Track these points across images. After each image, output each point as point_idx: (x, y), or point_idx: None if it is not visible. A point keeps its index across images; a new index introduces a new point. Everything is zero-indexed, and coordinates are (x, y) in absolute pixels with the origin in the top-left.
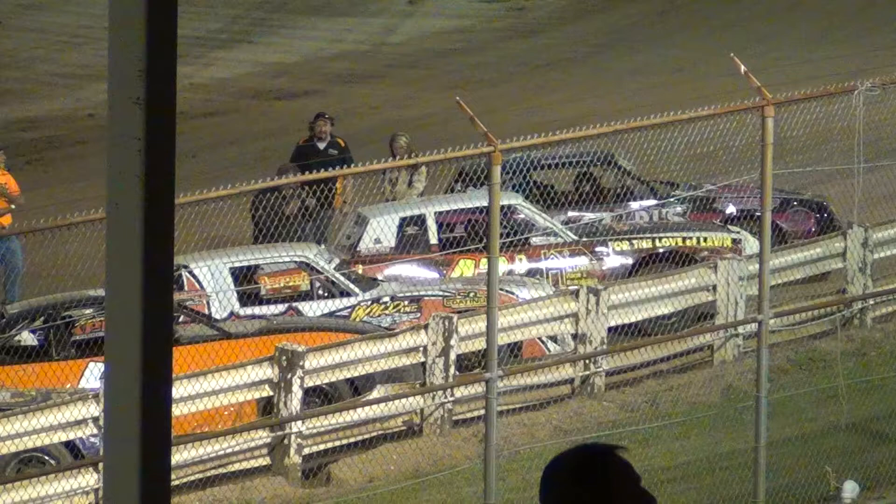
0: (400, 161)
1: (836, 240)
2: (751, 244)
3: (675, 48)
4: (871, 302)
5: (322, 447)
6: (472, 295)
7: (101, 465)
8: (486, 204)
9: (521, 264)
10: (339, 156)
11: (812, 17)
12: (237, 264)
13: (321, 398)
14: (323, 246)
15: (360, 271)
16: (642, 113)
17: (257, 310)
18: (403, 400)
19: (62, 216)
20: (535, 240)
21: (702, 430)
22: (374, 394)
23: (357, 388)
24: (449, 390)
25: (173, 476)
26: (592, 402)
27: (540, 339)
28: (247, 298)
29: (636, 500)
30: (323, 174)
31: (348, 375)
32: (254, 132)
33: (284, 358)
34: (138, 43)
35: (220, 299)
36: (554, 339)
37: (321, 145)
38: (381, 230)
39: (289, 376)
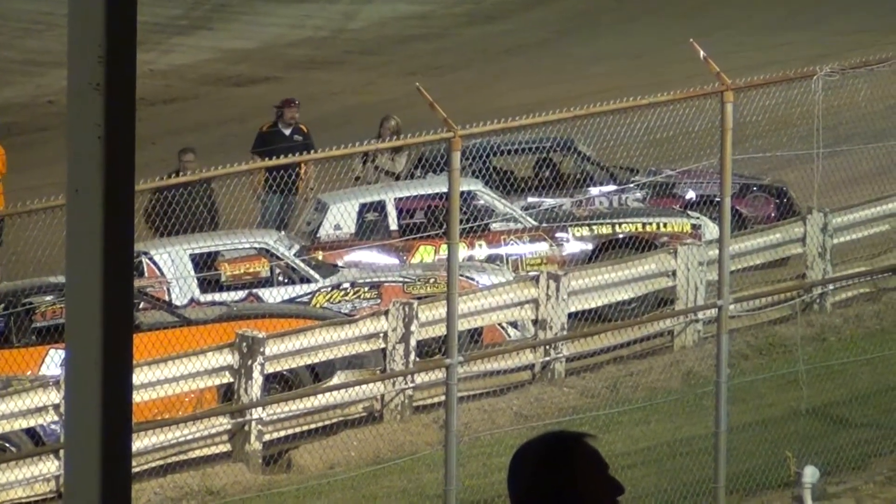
0: (367, 146)
1: (796, 225)
2: (710, 229)
3: (636, 34)
4: (831, 287)
5: (283, 434)
6: (432, 281)
7: (61, 452)
8: (445, 190)
9: (481, 250)
10: (303, 142)
11: (772, 4)
12: (197, 251)
13: (281, 385)
14: (283, 232)
15: (320, 258)
16: (602, 98)
17: (217, 296)
18: (364, 386)
19: (22, 203)
20: (495, 226)
21: (662, 416)
22: (335, 380)
23: (317, 374)
24: (409, 376)
25: (134, 463)
26: (553, 388)
27: (500, 325)
28: (207, 285)
29: (604, 487)
30: (292, 159)
31: (309, 362)
32: (214, 119)
33: (245, 344)
34: (98, 29)
35: (181, 286)
36: (514, 325)
37: (286, 131)
38: (341, 216)
39: (249, 363)
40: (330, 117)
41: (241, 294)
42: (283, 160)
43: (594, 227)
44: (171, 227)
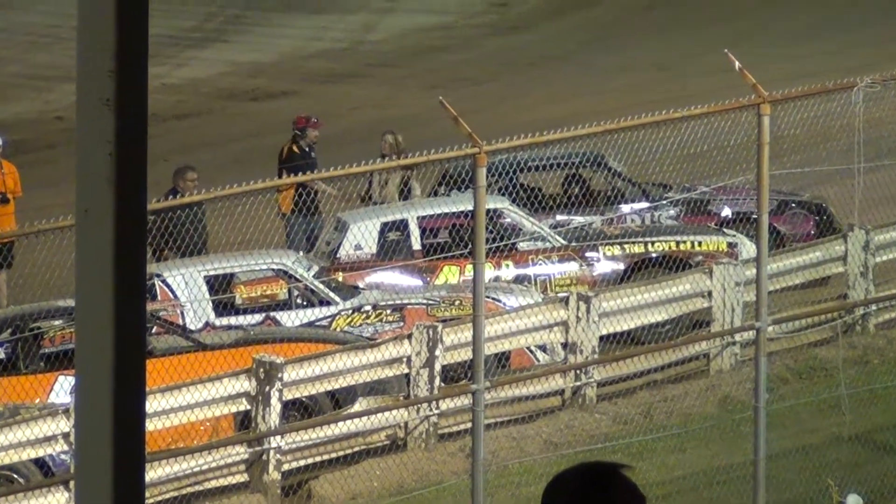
0: (385, 163)
1: (837, 243)
2: (747, 248)
3: (663, 44)
4: (874, 307)
5: (302, 463)
6: (457, 303)
7: (72, 484)
8: (471, 208)
9: (508, 271)
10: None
11: (803, 10)
12: (212, 272)
13: (301, 412)
14: (301, 253)
15: (340, 279)
16: (632, 112)
17: (233, 320)
18: (387, 413)
19: (30, 223)
20: (523, 245)
21: (698, 443)
22: (356, 407)
23: (338, 401)
24: (434, 403)
25: (147, 494)
26: (584, 415)
27: (528, 348)
28: (222, 308)
29: None
30: (310, 176)
31: (329, 388)
32: (229, 134)
33: (262, 370)
34: (108, 42)
35: (195, 309)
36: (543, 348)
37: (308, 150)
38: (362, 236)
39: (267, 389)
40: (349, 133)
41: (258, 317)
42: (301, 177)
43: (626, 246)
44: (178, 249)
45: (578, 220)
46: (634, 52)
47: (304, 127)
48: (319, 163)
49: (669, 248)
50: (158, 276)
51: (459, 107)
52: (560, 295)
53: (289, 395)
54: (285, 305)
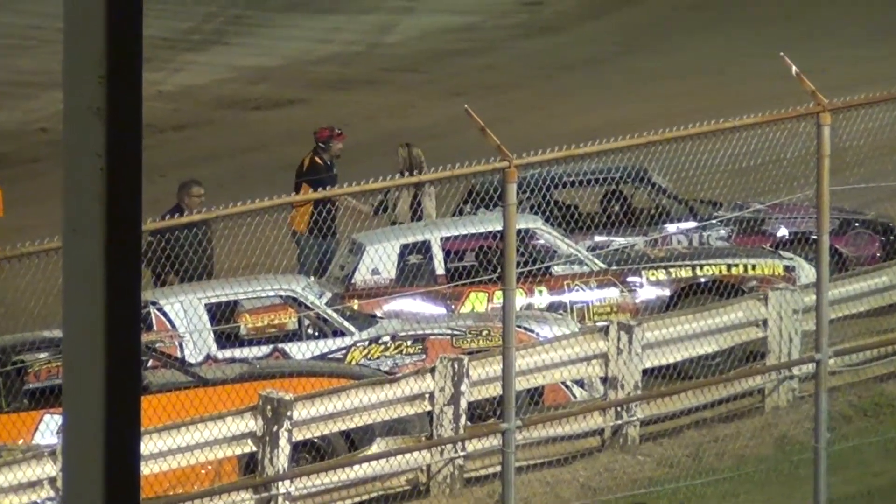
0: (405, 179)
1: None
2: (806, 272)
3: (711, 47)
4: None
5: None
6: (484, 333)
7: None
8: (500, 228)
9: (542, 297)
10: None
11: (867, 10)
12: (214, 300)
13: (312, 454)
14: (312, 278)
15: (355, 307)
16: (678, 121)
17: (237, 352)
18: (407, 455)
19: (11, 245)
20: (558, 269)
21: (753, 487)
22: (374, 448)
23: (353, 441)
24: (459, 444)
25: None
26: (625, 457)
27: (564, 383)
28: (225, 339)
29: None
30: (326, 192)
31: (343, 427)
32: (230, 147)
33: (269, 407)
34: (98, 45)
35: (195, 340)
36: (580, 383)
37: (330, 164)
38: (380, 259)
39: (275, 429)
40: (363, 146)
41: (264, 349)
42: (331, 192)
43: (672, 270)
44: (180, 274)
45: (619, 241)
46: (680, 55)
47: (329, 139)
48: (339, 179)
49: (720, 272)
50: (154, 303)
51: (486, 116)
52: (599, 324)
53: (299, 436)
54: (295, 336)
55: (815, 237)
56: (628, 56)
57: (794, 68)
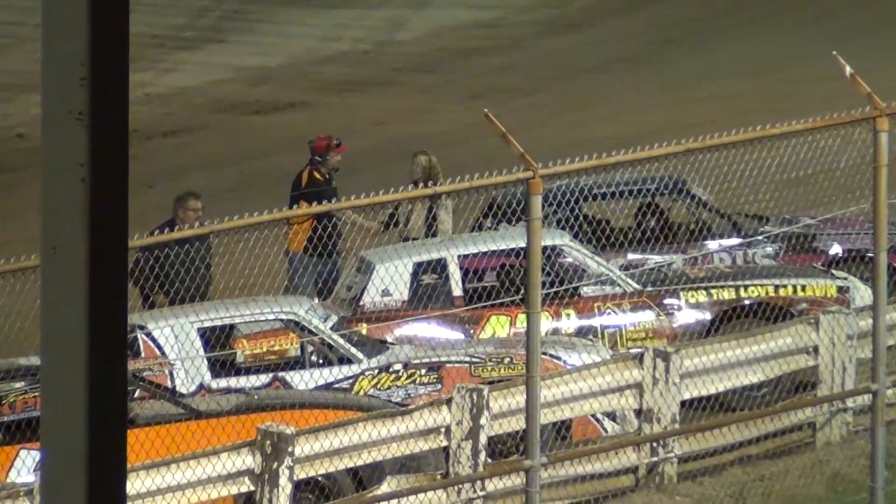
0: (419, 191)
1: None
2: (861, 293)
3: (755, 46)
4: None
5: None
6: (506, 361)
7: None
8: (523, 245)
9: (570, 321)
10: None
11: None
12: (208, 324)
13: (316, 494)
14: (317, 300)
15: (363, 332)
16: (718, 127)
17: (234, 381)
18: (421, 496)
19: None
20: (587, 290)
21: None
22: (384, 488)
23: (361, 480)
24: (479, 482)
25: None
26: (662, 497)
27: (594, 416)
28: (220, 367)
29: None
30: (325, 206)
31: (350, 464)
32: (227, 155)
33: (269, 442)
34: (79, 43)
35: (187, 368)
36: (612, 416)
37: (329, 177)
38: (391, 279)
39: (274, 466)
40: (372, 153)
41: (263, 379)
42: (324, 206)
43: (713, 292)
44: (170, 295)
45: (655, 259)
46: (721, 54)
47: (326, 151)
48: (339, 192)
49: (766, 293)
50: (142, 328)
51: (508, 121)
52: (633, 351)
53: (301, 474)
54: (297, 364)
55: (871, 255)
56: (663, 56)
57: (847, 69)
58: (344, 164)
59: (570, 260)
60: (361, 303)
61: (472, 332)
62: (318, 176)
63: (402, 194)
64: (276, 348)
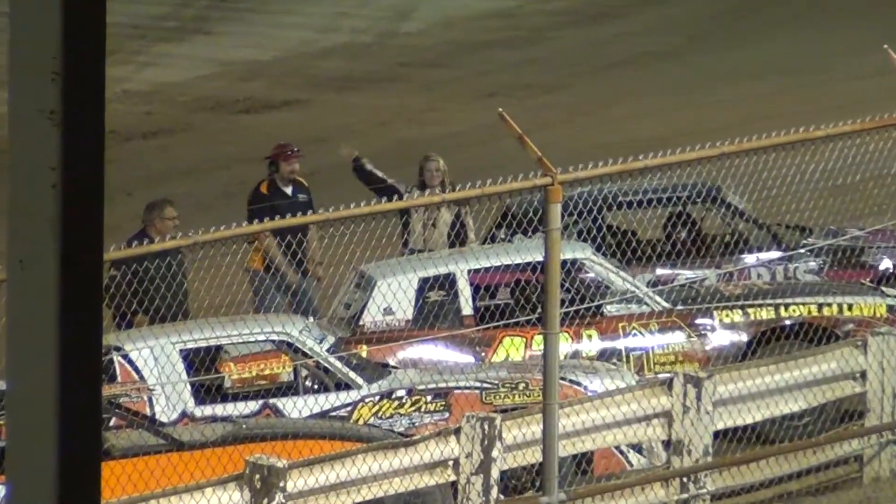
0: (425, 198)
1: None
2: None
3: (798, 40)
4: None
5: None
6: (521, 387)
7: None
8: (541, 258)
9: (591, 343)
10: (308, 201)
11: None
12: (191, 345)
13: None
14: (312, 319)
15: (363, 354)
16: (757, 129)
17: (220, 409)
18: None
19: None
20: (611, 308)
21: None
22: None
23: None
24: None
25: None
26: None
27: (618, 448)
28: (205, 393)
29: None
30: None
31: (348, 501)
32: (214, 158)
33: (258, 476)
34: (51, 35)
35: (168, 394)
36: (638, 448)
37: (287, 190)
38: (393, 296)
39: (265, 501)
40: (375, 156)
41: (252, 406)
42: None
43: (750, 311)
44: (150, 313)
45: (686, 274)
46: (761, 49)
47: (276, 159)
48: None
49: (809, 312)
50: (118, 349)
51: (525, 122)
52: (661, 376)
53: None
54: (289, 390)
55: None
56: (696, 50)
57: None
58: (343, 169)
59: (592, 275)
60: (361, 322)
61: (483, 354)
62: (263, 190)
63: (405, 202)
64: (267, 372)
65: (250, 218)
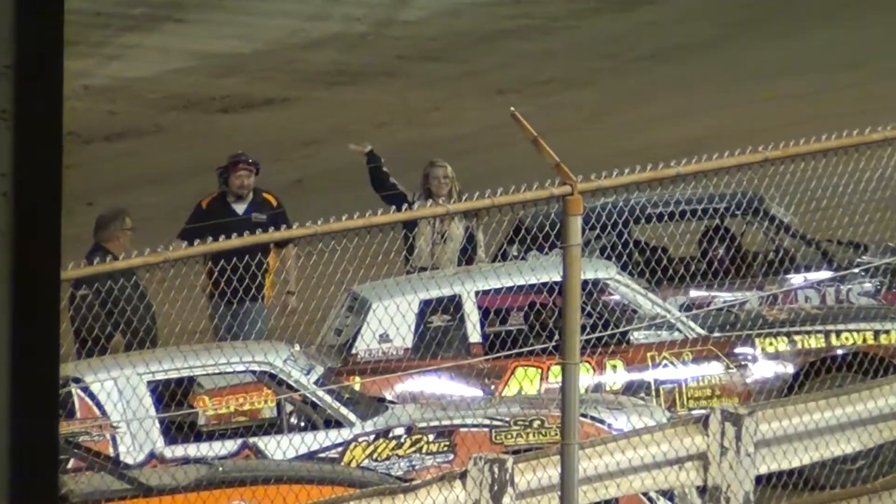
0: (428, 209)
1: None
2: None
3: (851, 29)
4: None
5: None
6: (536, 425)
7: None
8: (558, 278)
9: (616, 375)
10: (266, 222)
11: None
12: (160, 376)
13: None
14: (298, 347)
15: (356, 387)
16: (805, 131)
17: (193, 449)
18: None
19: None
20: (639, 335)
21: None
22: None
23: None
24: None
25: None
26: None
27: (646, 495)
28: (176, 431)
29: None
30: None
31: None
32: (187, 164)
33: None
34: (2, 24)
35: (134, 432)
36: (669, 495)
37: (238, 208)
38: (391, 321)
39: None
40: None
41: (230, 446)
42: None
43: (797, 339)
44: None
45: (724, 297)
46: (809, 40)
47: (224, 170)
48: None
49: (864, 340)
50: (77, 381)
51: (541, 123)
52: (696, 413)
53: None
54: (272, 427)
55: None
56: (737, 42)
57: None
58: (334, 177)
59: (617, 297)
60: (354, 350)
61: (493, 387)
62: (203, 205)
63: (406, 213)
64: (247, 407)
65: (181, 237)
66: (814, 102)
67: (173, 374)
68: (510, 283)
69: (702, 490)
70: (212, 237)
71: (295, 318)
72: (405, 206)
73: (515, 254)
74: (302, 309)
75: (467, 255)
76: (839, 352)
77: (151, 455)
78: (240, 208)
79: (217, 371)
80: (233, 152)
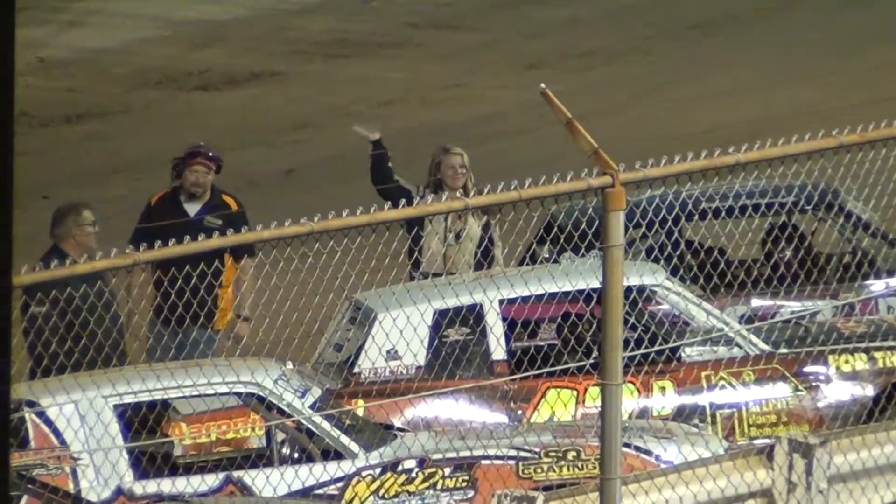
0: (442, 203)
1: None
2: None
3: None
4: None
5: None
6: (570, 456)
7: None
8: (597, 285)
9: (665, 398)
10: (221, 227)
11: None
12: (129, 399)
13: None
14: (291, 365)
15: (360, 412)
16: (888, 112)
17: (168, 484)
18: None
19: None
20: (691, 351)
21: None
22: None
23: None
24: None
25: None
26: None
27: None
28: (148, 463)
29: None
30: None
31: None
32: (160, 149)
33: None
34: None
35: (98, 464)
36: None
37: (190, 209)
38: (400, 334)
39: None
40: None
41: (211, 480)
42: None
43: (878, 356)
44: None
45: (792, 307)
46: (879, 11)
47: (178, 164)
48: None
49: None
50: (32, 404)
51: (573, 102)
52: (758, 443)
53: None
54: (261, 459)
55: None
56: (790, 15)
57: None
58: (330, 164)
59: (666, 307)
60: (357, 369)
61: (520, 412)
62: (173, 201)
63: (417, 209)
64: (231, 436)
65: (133, 239)
66: (882, 79)
67: (144, 397)
68: (540, 291)
69: None
70: (160, 241)
71: (287, 331)
72: (417, 199)
73: (546, 256)
74: (295, 321)
75: (488, 258)
76: None
77: (119, 491)
78: (192, 209)
79: (196, 393)
80: (194, 143)
